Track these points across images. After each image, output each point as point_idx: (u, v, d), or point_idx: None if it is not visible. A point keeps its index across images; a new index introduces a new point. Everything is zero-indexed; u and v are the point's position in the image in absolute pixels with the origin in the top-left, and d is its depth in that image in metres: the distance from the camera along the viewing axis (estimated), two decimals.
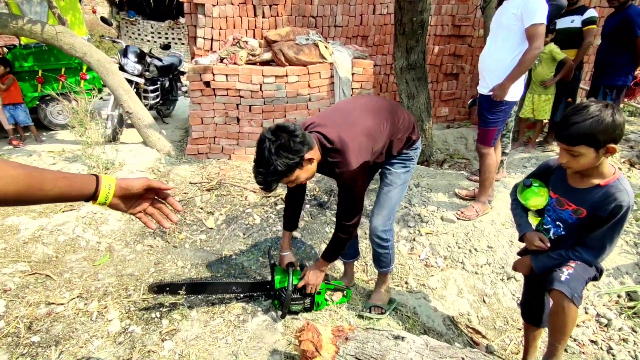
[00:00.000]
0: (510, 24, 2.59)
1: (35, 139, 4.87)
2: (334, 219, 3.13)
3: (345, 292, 2.24)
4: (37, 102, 5.09)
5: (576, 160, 1.43)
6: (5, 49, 5.08)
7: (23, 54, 4.85)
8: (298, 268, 2.10)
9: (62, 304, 2.15)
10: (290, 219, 2.14)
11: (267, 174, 1.59)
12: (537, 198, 1.66)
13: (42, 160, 4.04)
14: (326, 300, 2.17)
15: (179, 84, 6.51)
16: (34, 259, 2.49)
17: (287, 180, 1.66)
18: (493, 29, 2.75)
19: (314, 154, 1.69)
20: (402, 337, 1.57)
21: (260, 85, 4.32)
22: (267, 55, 4.48)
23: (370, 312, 2.16)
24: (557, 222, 1.64)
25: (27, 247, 2.57)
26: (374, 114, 1.85)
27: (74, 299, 2.19)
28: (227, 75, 4.26)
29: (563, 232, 1.63)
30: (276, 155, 1.56)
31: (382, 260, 2.17)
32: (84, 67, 5.18)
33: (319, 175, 2.34)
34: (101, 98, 6.09)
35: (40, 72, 4.96)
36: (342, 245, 1.98)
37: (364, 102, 1.98)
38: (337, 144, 1.71)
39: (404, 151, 2.00)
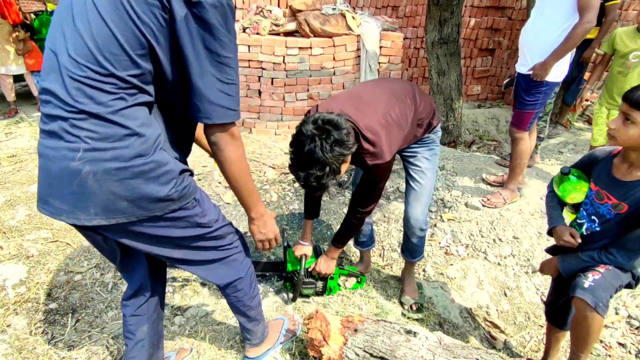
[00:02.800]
0: None
1: None
2: None
3: (359, 278, 2.18)
4: None
5: (625, 129, 1.32)
6: (33, 15, 5.09)
7: (50, 21, 4.86)
8: (312, 254, 2.04)
9: (81, 272, 2.20)
10: (312, 205, 2.03)
11: (323, 176, 1.41)
12: (576, 191, 1.51)
13: None
14: (339, 285, 2.12)
15: None
16: (55, 227, 2.54)
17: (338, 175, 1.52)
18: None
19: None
20: (415, 333, 1.50)
21: (283, 57, 4.17)
22: (292, 26, 4.29)
23: (412, 310, 2.13)
24: (593, 217, 1.49)
25: None
26: (400, 100, 1.70)
27: (91, 268, 2.23)
28: (249, 46, 4.13)
29: (598, 228, 1.48)
30: (332, 153, 1.38)
31: (417, 250, 2.10)
32: None
33: None
34: None
35: None
36: (354, 231, 1.89)
37: (390, 86, 1.80)
38: (370, 135, 1.56)
39: (425, 135, 1.87)
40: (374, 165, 1.60)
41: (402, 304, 2.18)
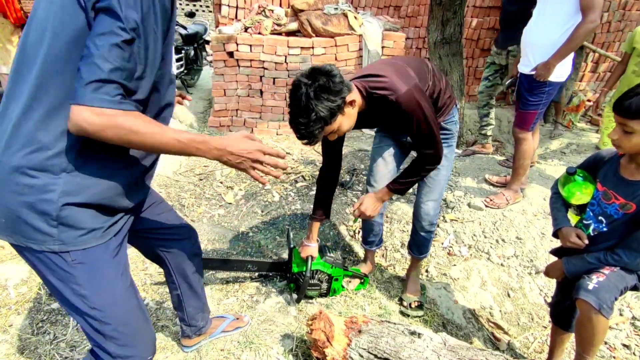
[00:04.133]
0: None
1: None
2: (355, 200, 3.04)
3: (362, 279, 2.17)
4: None
5: (628, 138, 1.30)
6: None
7: None
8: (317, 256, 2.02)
9: None
10: (322, 205, 1.96)
11: (308, 123, 1.41)
12: (581, 192, 1.50)
13: None
14: (343, 286, 2.11)
15: (203, 54, 6.41)
16: None
17: (330, 129, 1.48)
18: None
19: (355, 95, 1.52)
20: (419, 334, 1.49)
21: (285, 56, 4.17)
22: (293, 25, 4.28)
23: (411, 307, 2.11)
24: (600, 217, 1.48)
25: None
26: (408, 64, 1.68)
27: None
28: (251, 45, 4.12)
29: (605, 229, 1.46)
30: (316, 100, 1.38)
31: (425, 246, 2.09)
32: None
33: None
34: None
35: None
36: (416, 182, 1.78)
37: (394, 57, 1.80)
38: (376, 74, 1.54)
39: (443, 124, 1.83)
40: (396, 101, 1.49)
41: (401, 300, 2.17)
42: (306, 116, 1.40)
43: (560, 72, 2.45)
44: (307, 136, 1.45)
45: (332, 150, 1.86)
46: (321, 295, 2.06)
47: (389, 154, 1.99)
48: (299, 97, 1.40)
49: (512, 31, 3.09)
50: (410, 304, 2.12)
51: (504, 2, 3.19)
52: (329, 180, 1.95)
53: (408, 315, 2.10)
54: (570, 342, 1.89)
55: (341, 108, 1.45)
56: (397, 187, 1.77)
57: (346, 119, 1.50)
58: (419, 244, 2.09)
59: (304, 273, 1.90)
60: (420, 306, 2.13)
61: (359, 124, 1.64)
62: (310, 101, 1.38)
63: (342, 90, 1.42)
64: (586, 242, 1.47)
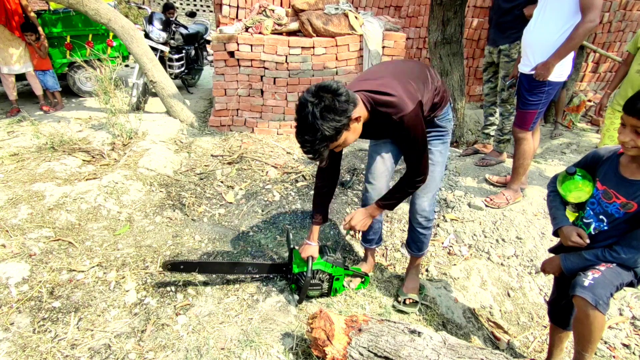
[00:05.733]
0: None
1: (55, 105, 4.87)
2: (356, 199, 3.04)
3: (363, 278, 2.17)
4: (66, 69, 5.14)
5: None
6: (33, 14, 5.09)
7: (52, 20, 4.86)
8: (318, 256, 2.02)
9: (83, 271, 2.19)
10: (321, 207, 1.97)
11: (314, 140, 1.43)
12: (580, 191, 1.50)
13: (69, 127, 4.10)
14: (344, 286, 2.12)
15: (204, 53, 6.42)
16: (57, 226, 2.54)
17: (335, 144, 1.51)
18: None
19: (360, 111, 1.53)
20: (419, 332, 1.50)
21: (286, 56, 4.17)
22: (294, 25, 4.29)
23: (404, 303, 2.11)
24: (601, 216, 1.48)
25: (52, 214, 2.62)
26: (410, 72, 1.70)
27: (93, 267, 2.23)
28: (251, 45, 4.12)
29: (606, 227, 1.47)
30: (322, 119, 1.40)
31: (423, 242, 2.09)
32: (111, 34, 5.16)
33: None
34: (127, 65, 6.11)
35: (68, 38, 4.98)
36: (404, 198, 1.84)
37: (396, 62, 1.82)
38: (384, 88, 1.56)
39: (437, 122, 1.85)
40: (400, 120, 1.54)
41: (397, 296, 2.17)
42: (312, 135, 1.42)
43: (560, 72, 2.46)
44: (312, 152, 1.48)
45: (331, 158, 1.85)
46: (322, 295, 2.06)
47: (387, 152, 2.00)
48: (305, 115, 1.42)
49: (503, 29, 3.09)
50: (404, 300, 2.12)
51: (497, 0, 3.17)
52: (326, 188, 1.95)
53: (401, 311, 2.10)
54: (569, 340, 1.89)
55: (347, 125, 1.47)
56: (386, 202, 1.84)
57: (351, 134, 1.53)
58: (416, 241, 2.09)
59: (304, 273, 1.90)
60: (414, 303, 2.12)
61: (361, 135, 1.66)
62: (316, 120, 1.40)
63: (347, 109, 1.44)
64: (587, 241, 1.48)
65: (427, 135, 1.81)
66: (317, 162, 1.72)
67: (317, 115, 1.40)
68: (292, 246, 2.08)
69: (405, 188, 1.79)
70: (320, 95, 1.41)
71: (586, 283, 1.38)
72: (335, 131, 1.44)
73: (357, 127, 1.54)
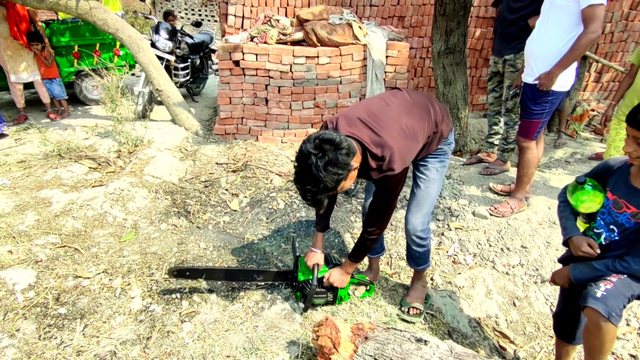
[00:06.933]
0: (565, 5, 2.34)
1: (62, 112, 4.92)
2: (359, 207, 3.05)
3: (368, 286, 2.17)
4: (73, 77, 5.20)
5: None
6: (43, 24, 5.18)
7: (60, 29, 4.94)
8: (323, 264, 2.02)
9: (89, 278, 2.20)
10: (322, 218, 2.02)
11: (317, 192, 1.48)
12: (590, 201, 1.50)
13: (76, 134, 4.14)
14: (349, 294, 2.11)
15: (209, 62, 6.49)
16: (64, 232, 2.56)
17: (334, 192, 1.57)
18: (544, 10, 2.50)
19: (357, 160, 1.58)
20: (425, 341, 1.49)
21: (290, 65, 4.22)
22: (299, 35, 4.34)
23: (408, 313, 2.10)
24: (612, 227, 1.47)
25: (58, 220, 2.64)
26: (417, 114, 1.73)
27: (99, 273, 2.23)
28: (256, 54, 4.17)
29: (617, 237, 1.46)
30: (325, 172, 1.44)
31: (420, 259, 2.09)
32: (118, 44, 5.24)
33: None
34: (133, 74, 6.18)
35: (76, 47, 5.05)
36: (369, 247, 1.92)
37: (406, 99, 1.80)
38: (377, 150, 1.59)
39: (438, 146, 1.88)
40: (385, 178, 1.63)
41: (400, 305, 2.17)
42: (314, 186, 1.47)
43: (564, 82, 2.48)
44: (312, 202, 1.53)
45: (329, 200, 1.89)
46: (328, 304, 2.06)
47: None
48: (307, 166, 1.46)
49: (508, 40, 3.12)
50: (408, 310, 2.12)
51: (502, 10, 3.21)
52: (324, 213, 1.99)
53: (405, 320, 2.09)
54: (576, 352, 1.88)
55: (346, 177, 1.52)
56: (355, 258, 1.93)
57: (349, 180, 1.57)
58: (414, 257, 2.10)
59: (310, 281, 1.90)
60: (418, 314, 2.12)
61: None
62: (319, 173, 1.44)
63: (348, 163, 1.48)
64: (598, 251, 1.47)
65: (425, 155, 1.88)
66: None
67: (320, 168, 1.43)
68: (297, 254, 2.08)
69: (366, 238, 1.85)
70: (323, 148, 1.45)
71: (598, 294, 1.37)
72: (337, 183, 1.48)
73: (354, 175, 1.59)
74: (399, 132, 1.63)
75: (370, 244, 1.88)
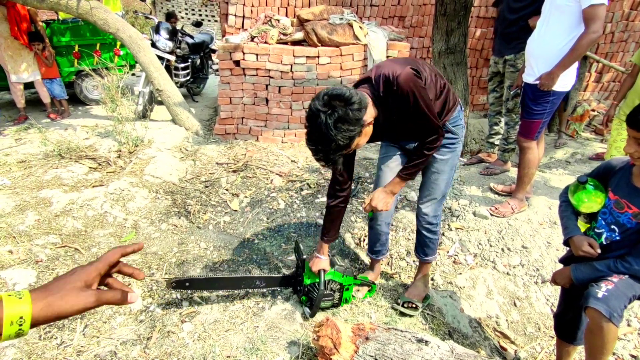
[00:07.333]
0: (566, 5, 2.34)
1: (62, 112, 4.92)
2: (360, 208, 3.04)
3: (370, 287, 2.17)
4: (74, 77, 5.20)
5: None
6: (43, 24, 5.18)
7: (61, 29, 4.94)
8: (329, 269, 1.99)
9: None
10: (332, 226, 1.92)
11: (329, 151, 1.41)
12: (592, 201, 1.50)
13: (76, 134, 4.14)
14: (353, 295, 2.11)
15: (209, 62, 6.49)
16: (64, 232, 2.55)
17: (348, 151, 1.50)
18: (545, 10, 2.50)
19: (370, 111, 1.52)
20: (426, 341, 1.49)
21: (291, 65, 4.21)
22: (299, 35, 4.34)
23: (403, 306, 2.09)
24: (613, 227, 1.47)
25: (59, 220, 2.64)
26: (418, 62, 1.71)
27: None
28: (257, 54, 4.17)
29: (618, 238, 1.46)
30: (336, 130, 1.36)
31: (429, 247, 2.08)
32: (118, 44, 5.24)
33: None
34: (134, 74, 6.18)
35: (76, 47, 5.05)
36: (424, 163, 1.78)
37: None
38: (376, 70, 1.57)
39: (447, 126, 1.83)
40: (396, 86, 1.51)
41: (397, 299, 2.15)
42: (326, 145, 1.41)
43: (564, 82, 2.47)
44: (326, 161, 1.46)
45: (345, 160, 1.75)
46: (334, 306, 2.04)
47: (395, 163, 2.01)
48: (317, 125, 1.39)
49: (508, 40, 3.12)
50: (404, 303, 2.10)
51: (503, 10, 3.21)
52: (340, 206, 1.90)
53: (402, 314, 2.08)
54: (577, 352, 1.87)
55: (360, 132, 1.46)
56: (407, 172, 1.78)
57: (363, 137, 1.52)
58: (422, 245, 2.10)
59: (317, 285, 1.88)
60: (414, 308, 2.09)
61: (372, 137, 1.64)
62: (330, 131, 1.37)
63: (360, 118, 1.41)
64: (599, 251, 1.47)
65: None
66: (331, 169, 1.69)
67: (330, 126, 1.37)
68: (304, 257, 2.06)
69: (422, 151, 1.72)
70: (332, 104, 1.38)
71: (600, 295, 1.36)
72: (349, 140, 1.42)
73: (368, 131, 1.54)
74: (388, 62, 1.64)
75: (428, 156, 1.74)
